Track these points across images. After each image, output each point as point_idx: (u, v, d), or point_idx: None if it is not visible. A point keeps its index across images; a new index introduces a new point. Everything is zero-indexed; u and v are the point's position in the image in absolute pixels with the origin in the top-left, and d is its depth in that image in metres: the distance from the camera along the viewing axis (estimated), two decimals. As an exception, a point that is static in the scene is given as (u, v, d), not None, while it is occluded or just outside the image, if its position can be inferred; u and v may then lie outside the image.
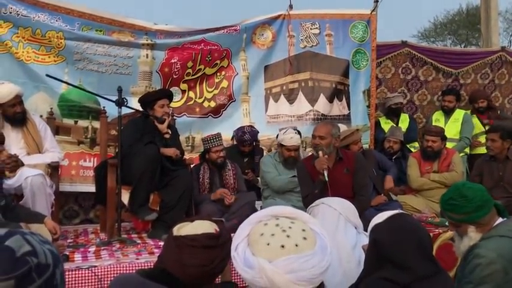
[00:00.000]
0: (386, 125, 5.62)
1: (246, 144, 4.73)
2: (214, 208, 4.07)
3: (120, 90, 3.65)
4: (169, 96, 4.28)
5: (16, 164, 3.54)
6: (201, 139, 4.50)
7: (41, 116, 4.33)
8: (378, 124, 5.71)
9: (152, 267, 1.88)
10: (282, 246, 1.28)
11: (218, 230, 1.77)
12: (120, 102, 3.63)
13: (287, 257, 1.26)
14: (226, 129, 5.04)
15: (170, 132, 4.13)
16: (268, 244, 1.29)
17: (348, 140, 4.51)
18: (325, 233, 1.39)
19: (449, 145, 5.07)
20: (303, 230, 1.34)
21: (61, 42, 4.55)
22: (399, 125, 5.59)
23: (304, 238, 1.31)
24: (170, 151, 3.98)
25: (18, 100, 3.75)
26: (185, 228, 1.75)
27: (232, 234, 1.51)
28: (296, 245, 1.28)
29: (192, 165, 4.44)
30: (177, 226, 1.77)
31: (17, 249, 0.97)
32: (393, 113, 5.69)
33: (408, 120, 5.68)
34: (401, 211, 2.05)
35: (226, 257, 1.73)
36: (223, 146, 4.37)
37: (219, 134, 4.38)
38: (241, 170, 4.57)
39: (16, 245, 0.97)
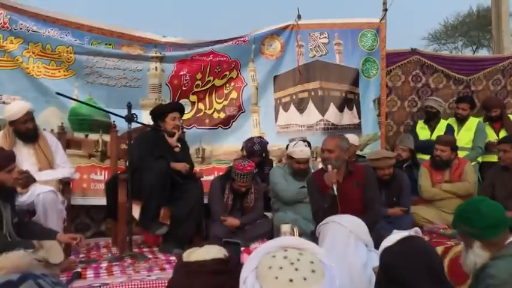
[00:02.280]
0: (421, 130, 5.50)
1: (256, 155, 4.71)
2: (224, 229, 4.03)
3: (129, 106, 3.67)
4: (181, 110, 4.32)
5: (28, 180, 3.57)
6: (233, 161, 4.29)
7: (52, 131, 4.37)
8: (414, 127, 5.62)
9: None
10: (291, 280, 1.27)
11: (227, 255, 1.77)
12: (130, 118, 3.66)
13: (295, 291, 1.25)
14: (236, 140, 5.07)
15: (180, 146, 4.16)
16: (276, 278, 1.29)
17: (373, 162, 4.38)
18: (333, 264, 1.38)
19: (461, 154, 4.98)
20: (311, 262, 1.33)
21: (71, 57, 4.59)
22: (435, 131, 5.36)
23: (313, 271, 1.30)
24: (180, 165, 4.00)
25: (29, 117, 3.78)
26: (194, 254, 1.75)
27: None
28: (304, 279, 1.27)
29: (202, 178, 4.40)
30: (186, 252, 1.77)
31: (29, 295, 0.97)
32: (429, 118, 5.51)
33: (445, 129, 5.38)
34: (412, 233, 2.03)
35: (236, 283, 1.72)
36: (249, 183, 4.18)
37: (250, 173, 4.12)
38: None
39: (28, 290, 0.98)
